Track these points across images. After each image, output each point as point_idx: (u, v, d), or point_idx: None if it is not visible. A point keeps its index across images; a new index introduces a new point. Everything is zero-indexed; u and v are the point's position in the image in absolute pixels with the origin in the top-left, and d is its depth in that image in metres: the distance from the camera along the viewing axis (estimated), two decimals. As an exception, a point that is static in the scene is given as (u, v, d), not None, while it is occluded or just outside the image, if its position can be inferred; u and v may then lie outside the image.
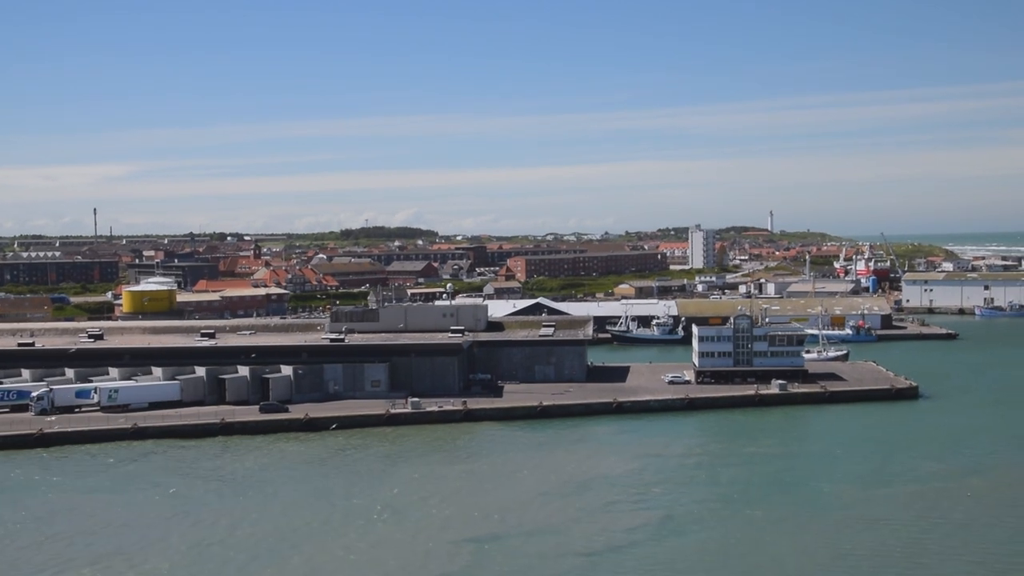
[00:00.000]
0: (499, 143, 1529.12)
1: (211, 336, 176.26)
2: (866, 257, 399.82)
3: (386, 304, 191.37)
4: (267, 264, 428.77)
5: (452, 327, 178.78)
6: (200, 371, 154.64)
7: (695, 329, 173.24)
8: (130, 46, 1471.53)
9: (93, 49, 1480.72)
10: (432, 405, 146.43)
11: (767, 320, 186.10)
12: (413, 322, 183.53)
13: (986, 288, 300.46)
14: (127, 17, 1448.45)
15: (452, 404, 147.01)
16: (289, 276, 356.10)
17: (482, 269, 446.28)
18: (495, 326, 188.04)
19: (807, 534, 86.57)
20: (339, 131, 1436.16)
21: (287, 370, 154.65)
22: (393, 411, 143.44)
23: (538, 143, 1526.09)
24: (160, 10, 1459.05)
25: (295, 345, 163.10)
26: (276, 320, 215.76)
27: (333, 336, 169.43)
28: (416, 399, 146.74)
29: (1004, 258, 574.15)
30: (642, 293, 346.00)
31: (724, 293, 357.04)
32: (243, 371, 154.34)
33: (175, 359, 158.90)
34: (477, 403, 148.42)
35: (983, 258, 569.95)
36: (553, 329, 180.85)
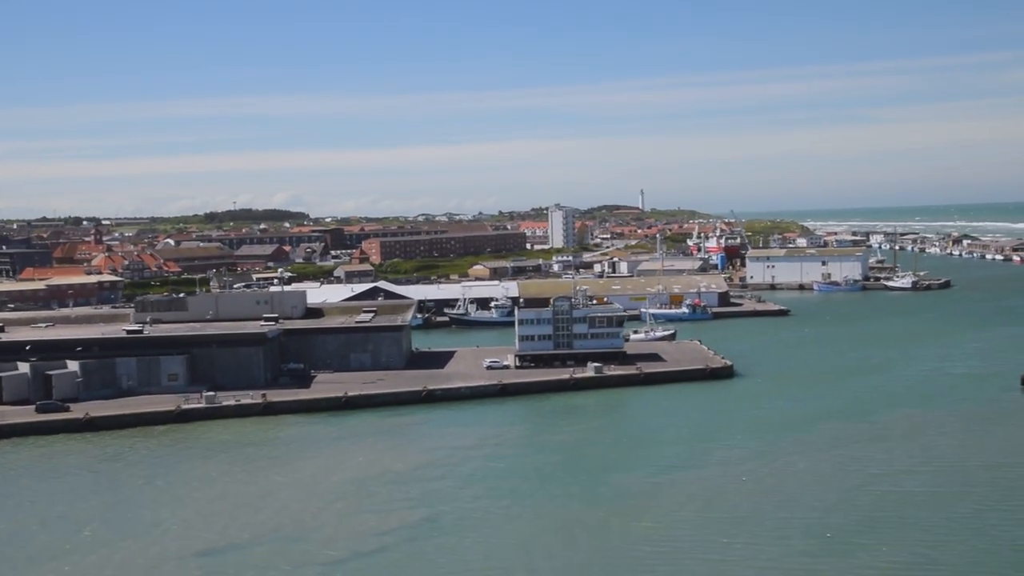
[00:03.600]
0: (382, 122, 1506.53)
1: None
2: (717, 235, 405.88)
3: (223, 291, 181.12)
4: (109, 249, 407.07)
5: (265, 315, 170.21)
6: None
7: (516, 312, 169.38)
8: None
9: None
10: (230, 399, 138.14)
11: (592, 301, 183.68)
12: (224, 311, 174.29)
13: (823, 264, 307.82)
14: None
15: (251, 397, 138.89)
16: (126, 262, 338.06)
17: (337, 252, 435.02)
18: (314, 313, 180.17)
19: (575, 530, 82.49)
20: (215, 110, 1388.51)
21: (74, 366, 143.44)
22: (185, 406, 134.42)
23: (420, 122, 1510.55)
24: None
25: (85, 338, 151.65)
26: (78, 311, 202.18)
27: (129, 327, 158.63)
28: (212, 393, 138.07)
29: (855, 233, 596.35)
30: (496, 274, 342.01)
31: (578, 272, 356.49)
32: (23, 368, 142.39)
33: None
34: (279, 395, 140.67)
35: (835, 233, 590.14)
36: (372, 315, 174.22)
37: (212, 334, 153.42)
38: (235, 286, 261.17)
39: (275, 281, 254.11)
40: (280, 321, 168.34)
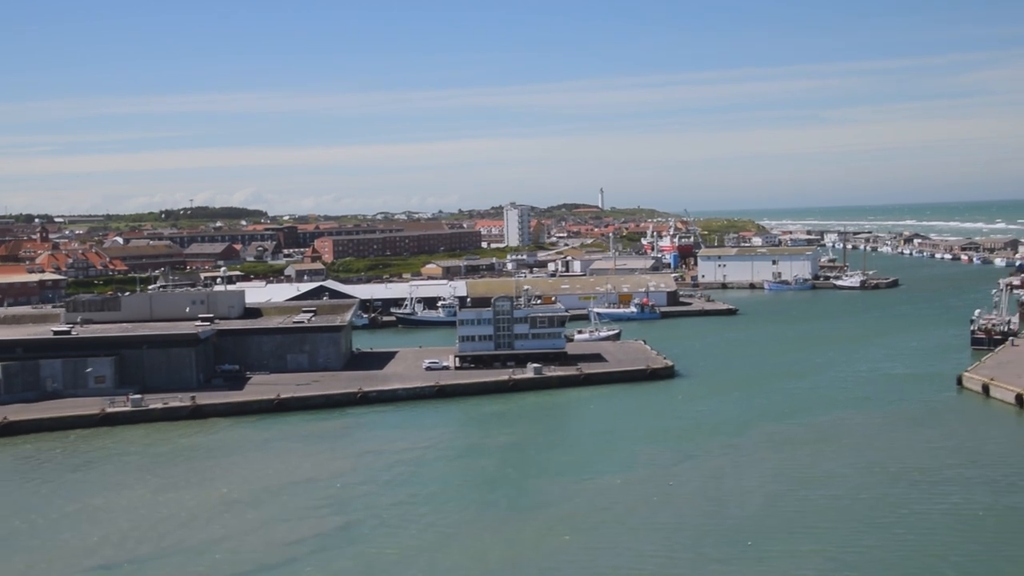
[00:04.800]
0: (345, 120, 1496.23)
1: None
2: (671, 234, 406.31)
3: (161, 290, 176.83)
4: (55, 247, 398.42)
5: (201, 315, 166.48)
6: None
7: (457, 312, 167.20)
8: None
9: None
10: (158, 401, 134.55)
11: (537, 301, 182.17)
12: (159, 311, 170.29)
13: (774, 263, 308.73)
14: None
15: (180, 400, 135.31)
16: (71, 261, 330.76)
17: (290, 251, 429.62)
18: (252, 313, 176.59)
19: (488, 539, 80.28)
20: (175, 107, 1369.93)
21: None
22: (110, 410, 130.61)
23: (384, 120, 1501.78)
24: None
25: (8, 339, 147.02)
26: (12, 311, 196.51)
27: (58, 328, 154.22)
28: (138, 396, 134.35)
29: (809, 232, 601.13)
30: (449, 273, 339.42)
31: (532, 271, 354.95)
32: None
33: None
34: (209, 398, 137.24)
35: (790, 233, 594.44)
36: (311, 315, 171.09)
37: (142, 335, 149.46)
38: (180, 286, 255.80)
39: (217, 280, 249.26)
40: (216, 321, 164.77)
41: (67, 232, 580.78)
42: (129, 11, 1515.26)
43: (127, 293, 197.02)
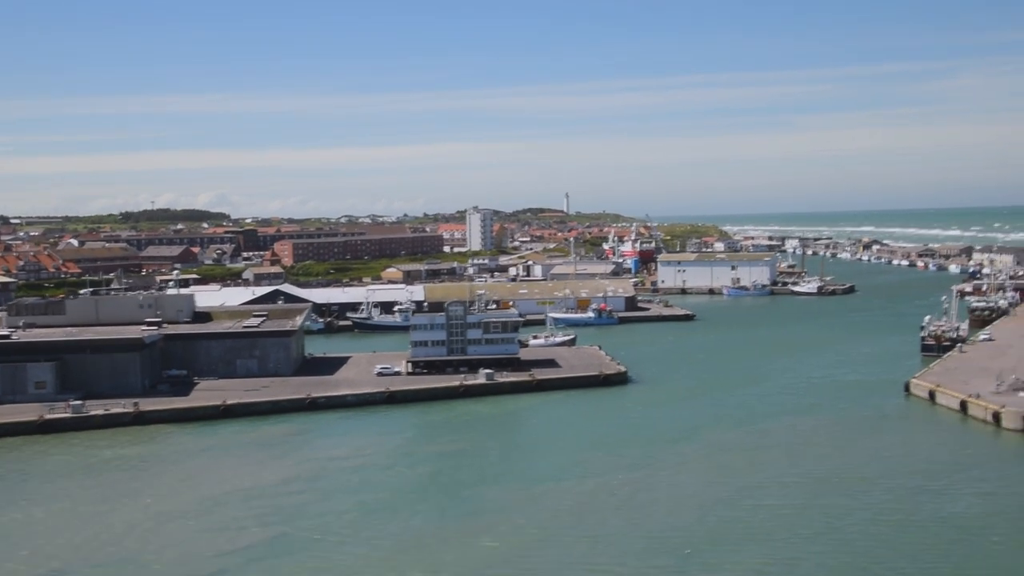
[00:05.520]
0: (313, 123, 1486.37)
1: None
2: (633, 238, 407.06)
3: (112, 292, 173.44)
4: (7, 249, 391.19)
5: (148, 319, 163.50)
6: None
7: (411, 317, 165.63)
8: None
9: None
10: (100, 408, 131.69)
11: (493, 306, 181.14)
12: (105, 315, 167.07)
13: (733, 269, 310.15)
14: None
15: (122, 406, 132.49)
16: (21, 263, 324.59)
17: (249, 254, 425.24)
18: (202, 317, 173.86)
19: (417, 552, 78.74)
20: (141, 108, 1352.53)
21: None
22: (49, 416, 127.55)
23: (350, 123, 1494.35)
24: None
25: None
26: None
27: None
28: (79, 402, 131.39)
29: (771, 238, 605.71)
30: (410, 277, 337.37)
31: (493, 275, 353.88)
32: None
33: None
34: (153, 404, 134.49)
35: (752, 238, 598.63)
36: (262, 319, 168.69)
37: (85, 339, 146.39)
38: (132, 289, 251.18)
39: (170, 283, 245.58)
40: (164, 326, 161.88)
41: (22, 234, 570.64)
42: (98, 11, 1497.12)
43: (71, 296, 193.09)
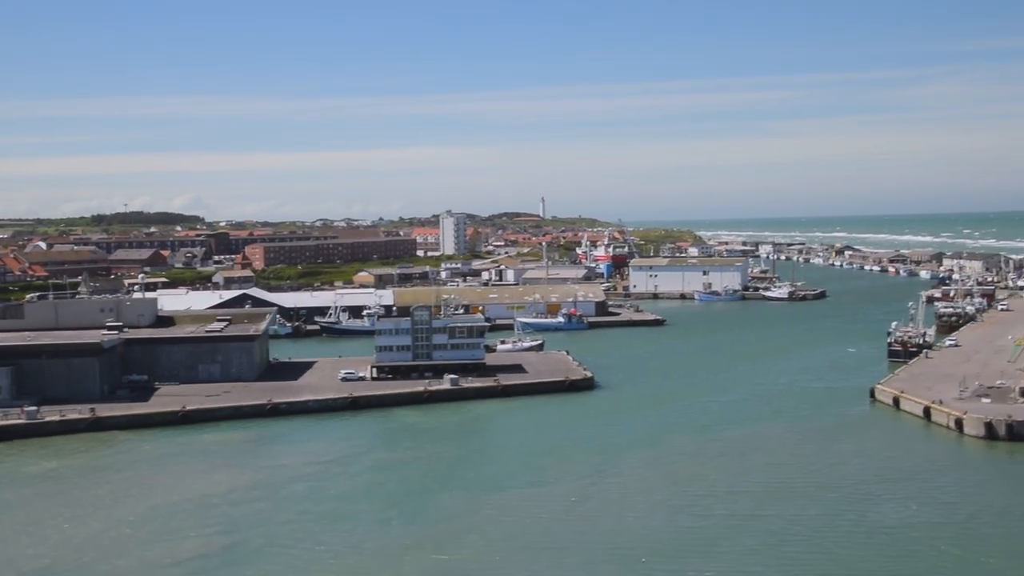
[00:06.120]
0: (289, 126, 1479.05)
1: None
2: (606, 243, 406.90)
3: (75, 296, 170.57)
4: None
5: (109, 323, 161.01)
6: None
7: (376, 322, 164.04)
8: None
9: None
10: (55, 414, 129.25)
11: (459, 311, 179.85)
12: (65, 319, 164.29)
13: (704, 274, 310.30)
14: None
15: (78, 412, 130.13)
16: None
17: (220, 257, 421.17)
18: (165, 321, 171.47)
19: (371, 562, 77.55)
20: (115, 110, 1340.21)
21: None
22: (2, 423, 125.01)
23: (327, 126, 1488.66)
24: None
25: None
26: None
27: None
28: (34, 408, 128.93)
29: (744, 243, 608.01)
30: (382, 281, 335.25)
31: (466, 280, 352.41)
32: None
33: None
34: (110, 410, 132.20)
35: (726, 244, 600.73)
36: (226, 324, 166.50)
37: (42, 344, 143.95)
38: (98, 293, 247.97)
39: (135, 287, 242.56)
40: (125, 330, 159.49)
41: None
42: (74, 13, 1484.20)
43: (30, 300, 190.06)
